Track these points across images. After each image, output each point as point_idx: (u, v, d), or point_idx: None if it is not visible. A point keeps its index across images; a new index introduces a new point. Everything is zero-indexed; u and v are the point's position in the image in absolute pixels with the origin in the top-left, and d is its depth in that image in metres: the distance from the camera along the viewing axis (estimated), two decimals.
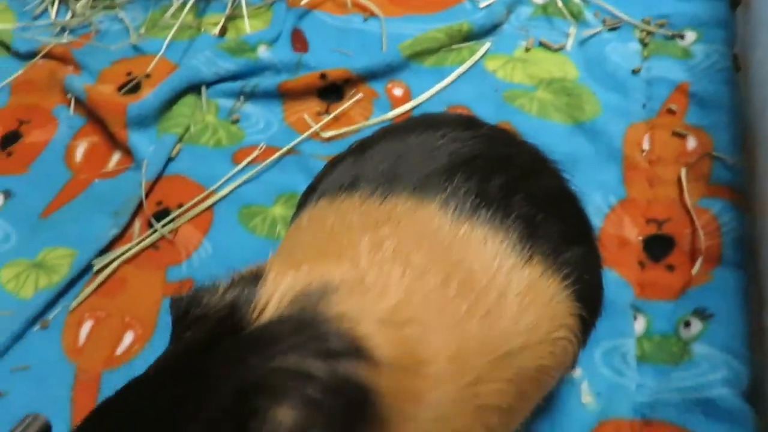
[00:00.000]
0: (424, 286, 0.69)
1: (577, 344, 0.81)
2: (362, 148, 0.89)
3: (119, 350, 1.14)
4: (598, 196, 1.17)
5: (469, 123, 0.91)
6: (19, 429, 0.70)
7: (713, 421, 0.87)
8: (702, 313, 0.98)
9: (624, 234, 1.12)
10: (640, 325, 1.02)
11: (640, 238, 1.11)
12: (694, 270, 1.04)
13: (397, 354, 0.63)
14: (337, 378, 0.59)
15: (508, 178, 0.81)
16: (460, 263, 0.72)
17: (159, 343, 1.13)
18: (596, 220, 1.14)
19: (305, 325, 0.62)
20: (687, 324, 0.98)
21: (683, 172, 1.16)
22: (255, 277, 0.67)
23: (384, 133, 0.92)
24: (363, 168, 0.84)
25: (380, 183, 0.80)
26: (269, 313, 0.63)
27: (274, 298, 0.64)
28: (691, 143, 1.21)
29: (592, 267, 0.85)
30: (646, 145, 1.23)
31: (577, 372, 0.98)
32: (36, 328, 1.18)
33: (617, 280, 1.06)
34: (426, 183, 0.79)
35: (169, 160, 1.36)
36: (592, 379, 0.97)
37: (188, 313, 0.66)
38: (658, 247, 1.09)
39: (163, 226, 1.26)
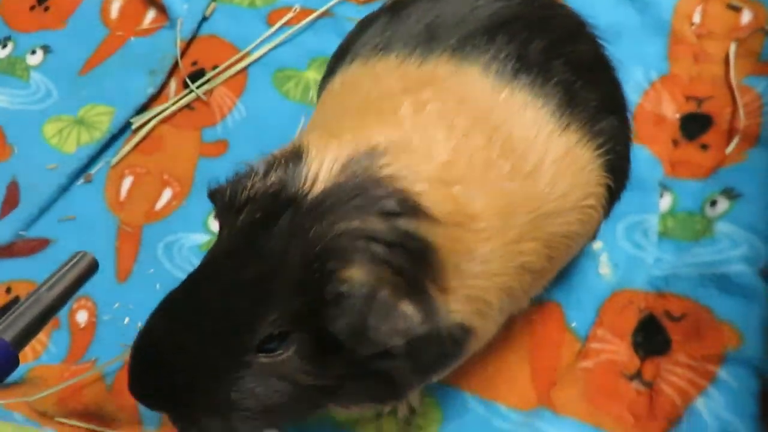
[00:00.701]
0: (468, 147, 0.70)
1: (602, 214, 0.83)
2: (396, 7, 0.87)
3: (158, 206, 1.19)
4: (639, 71, 1.13)
5: None
6: (69, 265, 0.77)
7: (726, 296, 0.89)
8: (730, 193, 0.97)
9: (661, 111, 1.09)
10: (666, 202, 1.02)
11: (678, 115, 1.09)
12: (729, 149, 1.02)
13: (450, 210, 0.66)
14: (399, 235, 0.62)
15: (549, 42, 0.78)
16: (501, 127, 0.73)
17: (195, 201, 1.18)
18: (633, 96, 1.11)
19: (360, 189, 0.63)
20: (713, 203, 0.98)
21: (732, 47, 1.11)
22: (295, 154, 0.67)
23: None
24: (398, 28, 0.82)
25: (418, 44, 0.78)
26: (321, 184, 0.64)
27: (323, 168, 0.65)
28: (746, 17, 1.15)
29: (624, 138, 0.85)
30: (696, 18, 1.17)
31: (598, 244, 1.00)
32: (80, 181, 1.24)
33: (648, 158, 1.05)
34: (466, 44, 0.77)
35: (204, 19, 1.35)
36: (611, 251, 1.00)
37: (234, 199, 0.67)
38: (694, 125, 1.07)
39: (199, 87, 1.27)
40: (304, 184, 0.64)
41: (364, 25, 0.90)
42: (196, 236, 1.14)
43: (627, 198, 0.99)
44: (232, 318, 0.62)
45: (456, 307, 0.67)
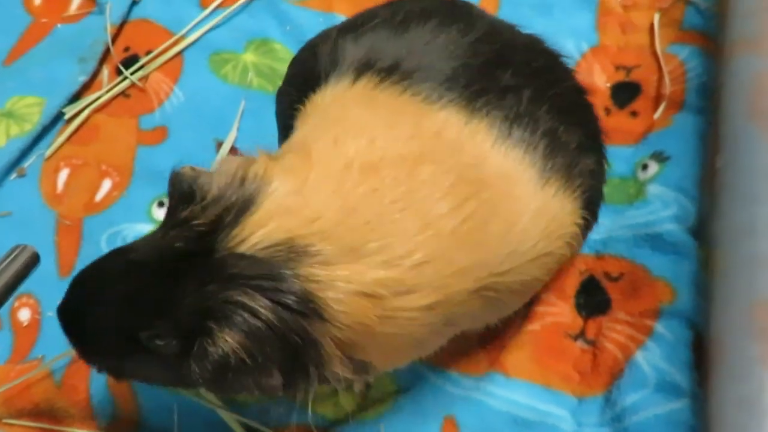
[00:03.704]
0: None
1: (577, 245, 0.83)
2: (403, 19, 0.81)
3: (98, 197, 1.16)
4: (570, 43, 1.16)
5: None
6: (9, 258, 0.74)
7: (659, 254, 0.94)
8: (659, 156, 1.02)
9: (593, 81, 1.13)
10: None
11: (608, 84, 1.13)
12: (656, 115, 1.07)
13: (361, 319, 0.65)
14: (283, 325, 0.63)
15: (535, 89, 0.77)
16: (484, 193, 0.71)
17: (137, 191, 1.16)
18: None
19: (271, 274, 0.63)
20: (645, 167, 1.03)
21: (656, 17, 1.16)
22: (247, 200, 0.66)
23: (429, 13, 0.82)
24: (411, 53, 0.78)
25: (438, 85, 0.75)
26: (244, 246, 0.65)
27: (255, 235, 0.65)
28: None
29: (601, 172, 0.86)
30: None
31: None
32: (13, 176, 1.20)
33: None
34: (477, 94, 0.75)
35: (134, 3, 1.31)
36: None
37: (188, 197, 0.68)
38: (624, 93, 1.11)
39: (133, 73, 1.24)
40: (231, 243, 0.65)
41: (364, 23, 0.83)
42: (140, 226, 1.12)
43: None
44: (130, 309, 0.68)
45: (346, 372, 0.68)
